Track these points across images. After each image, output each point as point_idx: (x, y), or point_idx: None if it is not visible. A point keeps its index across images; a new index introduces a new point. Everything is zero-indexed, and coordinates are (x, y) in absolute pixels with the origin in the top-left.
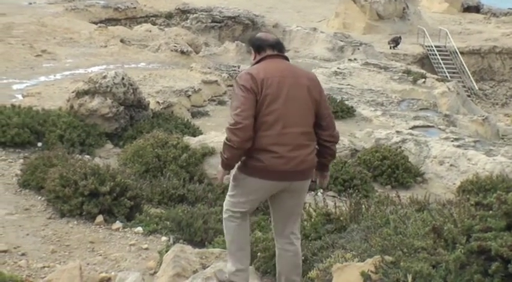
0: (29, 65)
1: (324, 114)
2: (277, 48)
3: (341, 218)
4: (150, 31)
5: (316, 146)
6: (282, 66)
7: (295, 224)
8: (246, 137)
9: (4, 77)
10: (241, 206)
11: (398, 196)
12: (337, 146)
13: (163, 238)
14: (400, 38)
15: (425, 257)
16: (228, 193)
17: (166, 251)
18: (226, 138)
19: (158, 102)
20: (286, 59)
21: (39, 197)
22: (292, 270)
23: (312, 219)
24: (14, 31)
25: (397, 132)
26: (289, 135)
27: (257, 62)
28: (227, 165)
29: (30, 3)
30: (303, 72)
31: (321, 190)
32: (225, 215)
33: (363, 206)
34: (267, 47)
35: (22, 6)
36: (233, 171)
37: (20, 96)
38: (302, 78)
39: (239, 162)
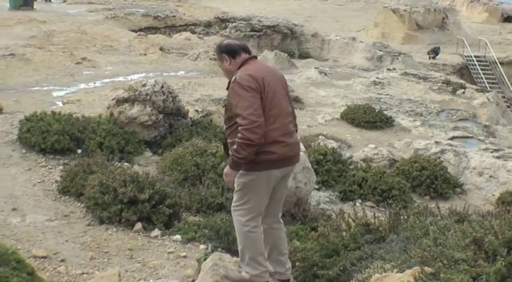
0: (69, 72)
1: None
2: (248, 51)
3: (380, 229)
4: (189, 39)
5: None
6: (264, 66)
7: (281, 204)
8: (263, 132)
9: (45, 84)
10: (257, 209)
11: (438, 207)
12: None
13: (202, 246)
14: (439, 48)
15: (465, 269)
16: (238, 204)
17: (205, 259)
18: (243, 138)
19: (197, 111)
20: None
21: (79, 204)
22: (283, 243)
23: (351, 230)
24: (54, 39)
25: (436, 142)
26: (286, 125)
27: (241, 65)
28: (239, 165)
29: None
30: (276, 70)
31: (359, 200)
32: (245, 229)
33: (402, 217)
34: (241, 50)
35: (62, 14)
36: (237, 181)
37: (60, 103)
38: (278, 75)
39: (244, 166)
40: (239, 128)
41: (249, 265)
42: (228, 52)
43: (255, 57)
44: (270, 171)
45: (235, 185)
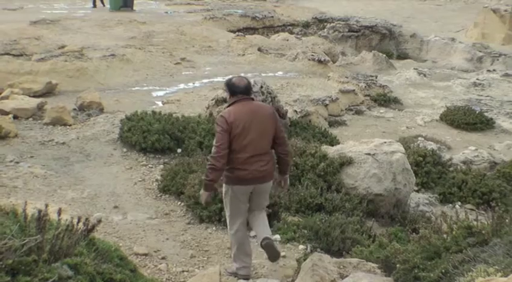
0: (169, 72)
1: (279, 137)
2: (245, 93)
3: (483, 232)
4: (287, 40)
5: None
6: (247, 109)
7: (259, 206)
8: (224, 161)
9: (145, 84)
10: (236, 216)
11: None
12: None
13: (301, 246)
14: None
15: None
16: (226, 212)
17: (304, 260)
18: (210, 164)
19: (296, 111)
20: (252, 99)
21: (179, 203)
22: (260, 224)
23: (453, 232)
24: (154, 39)
25: None
26: (246, 158)
27: (231, 104)
28: (208, 187)
29: (167, 12)
30: (263, 109)
31: (459, 202)
32: (230, 231)
33: (506, 220)
34: (239, 92)
35: (162, 15)
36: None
37: (160, 103)
38: (262, 116)
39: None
40: (209, 155)
41: (236, 262)
42: (230, 91)
43: (249, 99)
44: (236, 186)
45: None
